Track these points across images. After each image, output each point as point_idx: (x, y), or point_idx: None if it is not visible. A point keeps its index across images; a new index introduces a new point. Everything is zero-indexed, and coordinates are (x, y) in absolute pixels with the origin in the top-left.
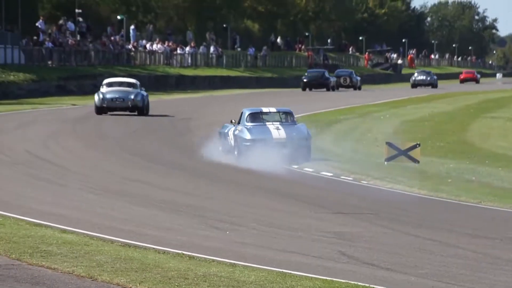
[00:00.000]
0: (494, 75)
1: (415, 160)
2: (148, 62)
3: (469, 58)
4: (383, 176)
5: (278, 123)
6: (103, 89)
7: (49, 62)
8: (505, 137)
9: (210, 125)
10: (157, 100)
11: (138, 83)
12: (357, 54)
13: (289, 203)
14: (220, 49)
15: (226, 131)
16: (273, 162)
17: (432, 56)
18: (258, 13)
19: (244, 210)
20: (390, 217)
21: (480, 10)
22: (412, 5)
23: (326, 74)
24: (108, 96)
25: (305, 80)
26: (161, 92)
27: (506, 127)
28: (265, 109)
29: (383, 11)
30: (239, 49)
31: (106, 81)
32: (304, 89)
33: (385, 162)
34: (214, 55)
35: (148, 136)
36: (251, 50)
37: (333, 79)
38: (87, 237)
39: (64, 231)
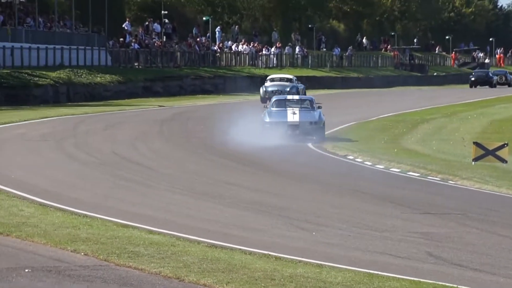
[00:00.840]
0: None
1: (503, 160)
2: (233, 63)
3: None
4: (471, 176)
5: (298, 108)
6: (267, 83)
7: (136, 64)
8: None
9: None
10: (243, 101)
11: (294, 78)
12: (444, 53)
13: (376, 204)
14: (305, 50)
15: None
16: (289, 141)
17: None
18: (343, 13)
19: (330, 210)
20: (478, 218)
21: None
22: (500, 3)
23: (490, 74)
24: (269, 89)
25: (472, 78)
26: (247, 93)
27: None
28: (289, 97)
29: (469, 10)
30: (324, 49)
31: (269, 77)
32: (471, 87)
33: (473, 162)
34: (299, 56)
35: (233, 137)
36: (336, 50)
37: (495, 78)
38: (174, 238)
39: (151, 232)
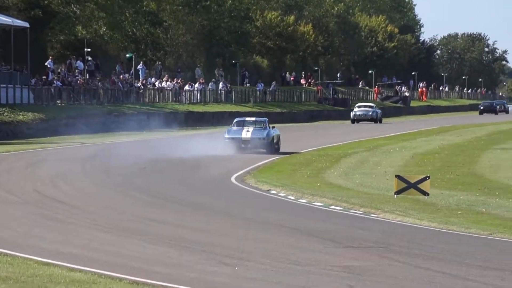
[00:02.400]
0: None
1: (425, 193)
2: (157, 99)
3: (479, 90)
4: (393, 209)
5: (252, 127)
6: (356, 109)
7: (58, 101)
8: None
9: (220, 161)
10: (166, 137)
11: (374, 105)
12: (367, 87)
13: (299, 238)
14: (229, 85)
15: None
16: (244, 152)
17: (442, 88)
18: (267, 48)
19: (253, 245)
20: (400, 251)
21: (490, 42)
22: (422, 38)
23: (494, 104)
24: (357, 113)
25: (481, 108)
26: (170, 129)
27: None
28: (247, 118)
29: (392, 44)
30: (248, 84)
31: (357, 104)
32: (480, 114)
33: (395, 195)
34: (223, 91)
35: (157, 173)
36: (260, 86)
37: (497, 107)
38: (96, 275)
39: (72, 269)
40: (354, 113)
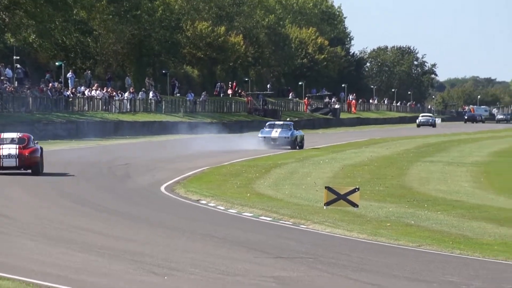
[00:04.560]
0: None
1: (355, 205)
2: (86, 108)
3: (408, 103)
4: (323, 220)
5: (280, 129)
6: (420, 117)
7: None
8: (443, 181)
9: (150, 170)
10: (95, 146)
11: (432, 116)
12: (297, 99)
13: (229, 248)
14: (159, 95)
15: None
16: (275, 148)
17: (371, 100)
18: (197, 59)
19: (183, 255)
20: (329, 262)
21: (419, 55)
22: (352, 50)
23: (480, 114)
24: (421, 120)
25: (466, 117)
26: (99, 138)
27: (445, 171)
28: (276, 122)
29: (322, 56)
30: (178, 94)
31: (421, 114)
32: (465, 122)
33: (325, 207)
34: (153, 101)
35: (87, 182)
36: (190, 96)
37: (483, 116)
38: (24, 284)
39: (0, 277)
40: (419, 120)
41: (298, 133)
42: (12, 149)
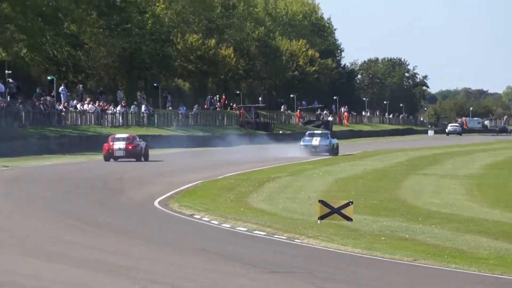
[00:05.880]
0: (425, 132)
1: (348, 218)
2: (79, 122)
3: (401, 116)
4: (317, 234)
5: (320, 137)
6: (449, 127)
7: None
8: (437, 194)
9: (143, 184)
10: (88, 161)
11: (458, 124)
12: (289, 111)
13: (223, 263)
14: (151, 108)
15: None
16: (315, 155)
17: (364, 113)
18: (188, 72)
19: (178, 270)
20: (324, 276)
21: (410, 67)
22: (343, 62)
23: (506, 126)
24: (450, 129)
25: (497, 129)
26: (92, 152)
27: (439, 184)
28: (315, 131)
29: (313, 68)
30: (170, 108)
31: (449, 124)
32: (497, 134)
33: (319, 221)
34: (145, 114)
35: (81, 197)
36: (182, 109)
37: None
38: None
39: None
40: (448, 129)
41: (334, 141)
42: (122, 145)
